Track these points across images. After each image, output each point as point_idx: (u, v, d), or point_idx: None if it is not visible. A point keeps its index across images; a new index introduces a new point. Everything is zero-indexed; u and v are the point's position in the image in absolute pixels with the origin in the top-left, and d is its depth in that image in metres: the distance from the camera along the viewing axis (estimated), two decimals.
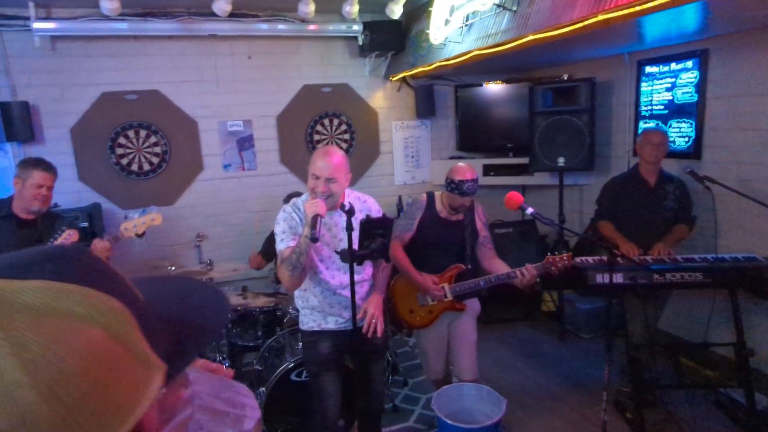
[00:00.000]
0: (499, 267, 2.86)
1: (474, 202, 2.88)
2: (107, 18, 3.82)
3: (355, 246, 2.10)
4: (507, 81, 5.16)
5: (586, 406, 3.40)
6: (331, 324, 2.43)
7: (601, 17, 2.44)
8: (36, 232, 2.81)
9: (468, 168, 2.69)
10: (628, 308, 3.15)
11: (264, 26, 4.37)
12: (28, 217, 2.80)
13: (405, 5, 4.07)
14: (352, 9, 3.93)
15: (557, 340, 4.46)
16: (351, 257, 1.99)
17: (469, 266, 2.87)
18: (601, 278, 2.98)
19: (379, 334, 2.36)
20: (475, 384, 2.68)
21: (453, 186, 2.67)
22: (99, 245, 2.71)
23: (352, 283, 2.13)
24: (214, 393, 0.66)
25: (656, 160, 3.29)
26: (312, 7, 3.86)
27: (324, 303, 2.40)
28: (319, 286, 2.38)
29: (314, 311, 2.44)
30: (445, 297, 2.81)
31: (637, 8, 2.27)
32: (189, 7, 4.14)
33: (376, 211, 2.46)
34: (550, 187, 5.01)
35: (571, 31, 2.69)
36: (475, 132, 5.28)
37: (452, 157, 5.41)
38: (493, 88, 5.14)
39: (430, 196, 2.91)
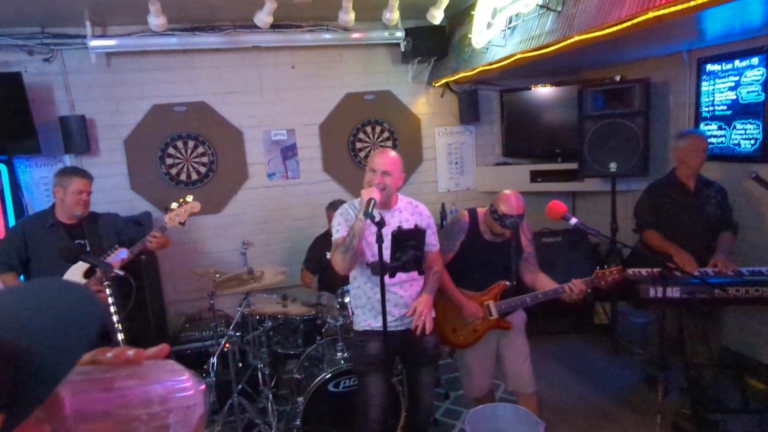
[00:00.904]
0: (542, 281, 2.75)
1: None
2: (157, 33, 3.96)
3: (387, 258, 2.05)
4: (555, 84, 4.97)
5: (639, 427, 3.19)
6: (380, 323, 2.42)
7: (651, 14, 2.28)
8: (83, 235, 2.97)
9: (516, 200, 2.57)
10: (686, 324, 2.94)
11: (307, 36, 4.40)
12: (72, 222, 2.97)
13: (447, 10, 3.99)
14: (392, 15, 3.89)
15: (610, 355, 4.23)
16: (381, 269, 1.94)
17: (514, 283, 2.76)
18: (655, 292, 2.81)
19: (428, 332, 2.41)
20: (512, 404, 2.55)
21: (496, 216, 2.59)
22: (153, 238, 2.90)
23: (383, 292, 2.08)
24: (117, 397, 0.56)
25: (701, 167, 3.22)
26: (352, 16, 3.85)
27: (374, 299, 2.46)
28: (370, 282, 2.46)
29: (365, 309, 2.53)
30: (491, 315, 2.71)
31: (692, 3, 2.11)
32: (234, 20, 4.23)
33: (427, 217, 2.60)
34: (601, 194, 4.78)
35: (619, 30, 2.54)
36: (522, 137, 5.12)
37: (498, 163, 5.27)
38: (541, 91, 4.97)
39: (473, 215, 2.79)
